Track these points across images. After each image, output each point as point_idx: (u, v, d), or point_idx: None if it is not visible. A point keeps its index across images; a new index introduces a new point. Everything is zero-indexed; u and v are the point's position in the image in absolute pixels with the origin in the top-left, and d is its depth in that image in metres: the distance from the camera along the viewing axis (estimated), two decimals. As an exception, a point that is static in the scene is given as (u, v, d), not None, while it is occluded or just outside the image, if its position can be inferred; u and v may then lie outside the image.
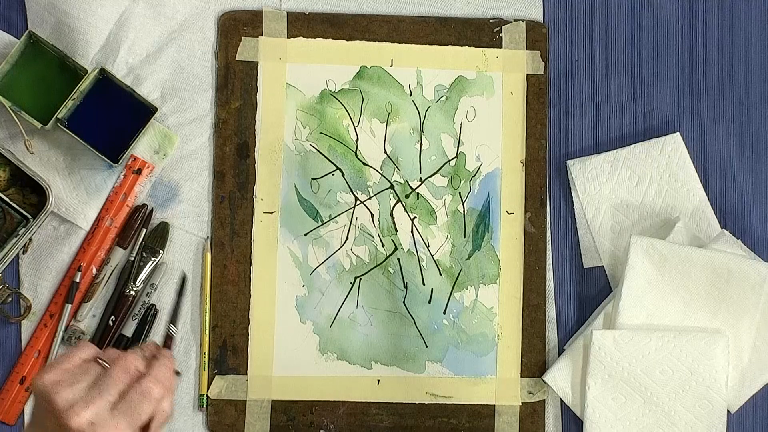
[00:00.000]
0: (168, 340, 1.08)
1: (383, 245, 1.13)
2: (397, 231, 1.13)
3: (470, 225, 1.14)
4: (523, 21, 1.15)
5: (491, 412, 1.12)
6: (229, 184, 1.12)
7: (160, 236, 1.10)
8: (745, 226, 1.15)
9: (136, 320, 1.09)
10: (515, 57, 1.15)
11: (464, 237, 1.13)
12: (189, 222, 1.12)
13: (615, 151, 1.14)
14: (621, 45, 1.17)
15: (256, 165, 1.12)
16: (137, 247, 1.10)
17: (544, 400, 1.13)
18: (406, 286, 1.13)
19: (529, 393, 1.12)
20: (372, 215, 1.13)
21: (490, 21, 1.15)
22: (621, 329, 1.09)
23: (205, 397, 1.10)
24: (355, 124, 1.13)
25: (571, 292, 1.14)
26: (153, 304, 1.10)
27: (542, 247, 1.14)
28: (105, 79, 1.08)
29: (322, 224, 1.13)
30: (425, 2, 1.15)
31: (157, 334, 1.10)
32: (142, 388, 0.79)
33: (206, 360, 1.10)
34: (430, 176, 1.14)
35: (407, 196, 1.14)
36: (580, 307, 1.14)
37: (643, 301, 1.10)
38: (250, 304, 1.11)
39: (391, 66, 1.14)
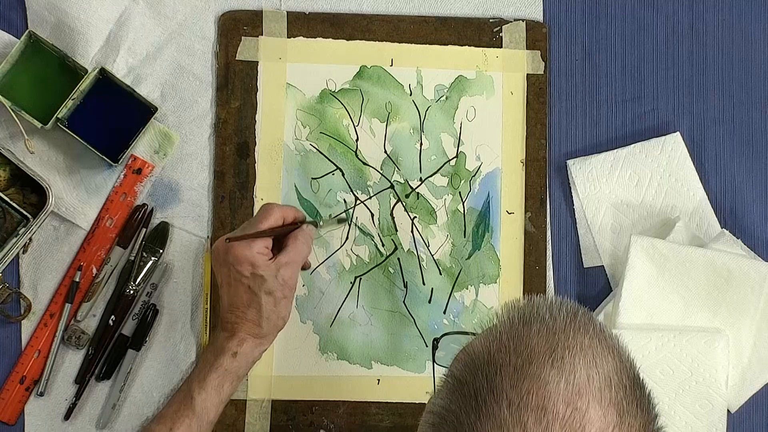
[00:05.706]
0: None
1: (383, 245, 1.13)
2: (397, 231, 1.13)
3: (470, 225, 1.14)
4: (523, 21, 1.15)
5: (491, 412, 1.12)
6: (229, 184, 1.12)
7: (160, 236, 1.10)
8: (745, 226, 1.15)
9: (136, 320, 1.09)
10: (515, 57, 1.15)
11: (464, 237, 1.13)
12: (189, 222, 1.11)
13: (615, 150, 1.14)
14: (621, 45, 1.16)
15: (256, 165, 1.12)
16: (137, 246, 1.10)
17: (544, 400, 1.13)
18: (406, 286, 1.13)
19: (529, 393, 1.12)
20: (372, 215, 1.13)
21: (490, 21, 1.15)
22: (621, 329, 1.09)
23: (205, 397, 1.09)
24: (355, 124, 1.13)
25: (571, 292, 1.14)
26: (153, 304, 1.10)
27: (542, 247, 1.14)
28: (105, 78, 1.08)
29: (322, 224, 1.13)
30: (425, 2, 1.15)
31: (157, 333, 1.10)
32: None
33: (206, 360, 1.10)
34: (430, 176, 1.14)
35: (407, 196, 1.13)
36: (580, 306, 1.14)
37: (643, 301, 1.10)
38: (250, 303, 1.11)
39: (391, 66, 1.14)
